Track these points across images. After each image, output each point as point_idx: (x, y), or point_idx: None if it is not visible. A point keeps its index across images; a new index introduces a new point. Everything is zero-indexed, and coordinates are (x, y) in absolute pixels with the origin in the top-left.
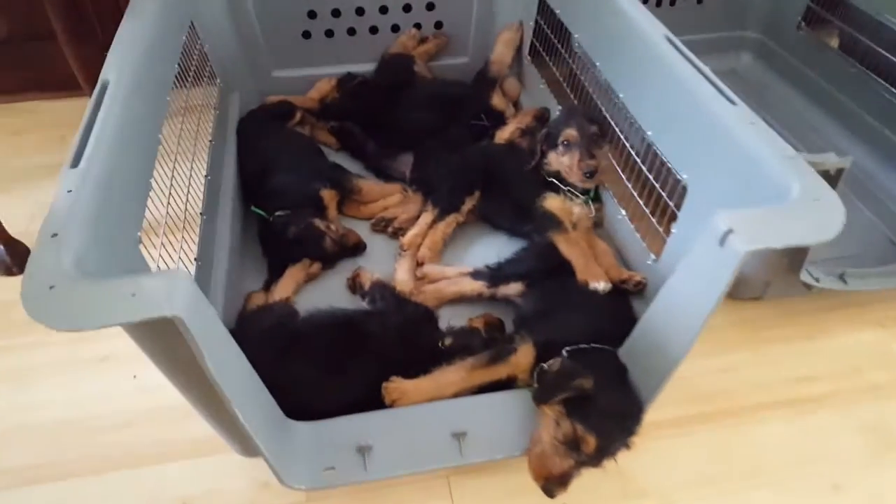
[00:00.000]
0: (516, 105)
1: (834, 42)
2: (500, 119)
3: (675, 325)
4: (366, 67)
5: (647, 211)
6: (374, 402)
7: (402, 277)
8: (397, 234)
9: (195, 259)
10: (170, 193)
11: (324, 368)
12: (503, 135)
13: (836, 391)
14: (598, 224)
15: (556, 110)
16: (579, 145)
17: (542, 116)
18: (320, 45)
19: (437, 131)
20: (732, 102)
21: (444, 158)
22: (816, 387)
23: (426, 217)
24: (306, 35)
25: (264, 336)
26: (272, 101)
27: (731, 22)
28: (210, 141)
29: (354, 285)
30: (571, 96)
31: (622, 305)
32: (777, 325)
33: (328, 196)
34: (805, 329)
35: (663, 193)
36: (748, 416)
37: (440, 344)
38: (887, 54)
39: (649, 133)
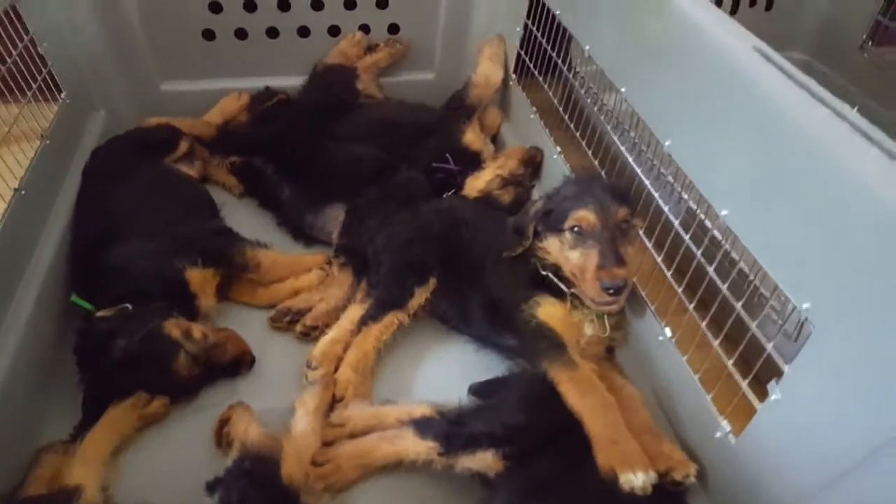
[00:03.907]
0: (495, 140)
1: None
2: (473, 162)
3: None
4: (291, 82)
5: (716, 344)
6: None
7: (302, 429)
8: (310, 334)
9: None
10: None
11: None
12: (477, 184)
13: None
14: (612, 348)
15: (553, 153)
16: (599, 239)
17: (532, 160)
18: (228, 50)
19: (382, 175)
20: None
21: (388, 218)
22: None
23: (353, 311)
24: (208, 35)
25: None
26: (148, 124)
27: (776, 40)
28: (15, 191)
29: (221, 437)
30: (577, 135)
31: None
32: None
33: (198, 279)
34: None
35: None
36: None
37: None
38: None
39: (724, 213)
